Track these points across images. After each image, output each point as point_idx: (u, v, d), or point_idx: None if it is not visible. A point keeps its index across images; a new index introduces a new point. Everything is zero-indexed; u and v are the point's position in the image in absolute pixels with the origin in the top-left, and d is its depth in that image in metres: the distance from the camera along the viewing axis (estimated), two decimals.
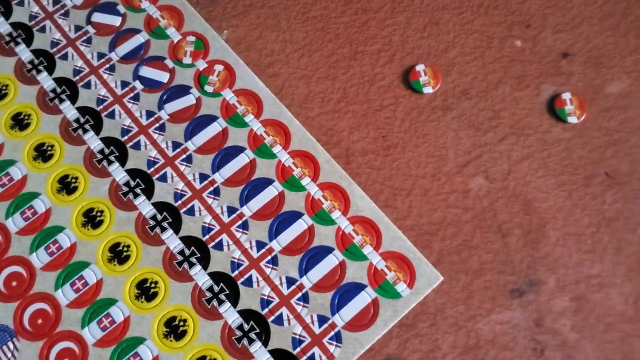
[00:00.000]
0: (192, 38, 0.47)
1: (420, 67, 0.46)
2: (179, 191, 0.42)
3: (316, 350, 0.38)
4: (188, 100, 0.45)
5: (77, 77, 0.46)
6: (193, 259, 0.40)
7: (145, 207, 0.42)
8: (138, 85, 0.46)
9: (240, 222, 0.41)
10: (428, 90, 0.45)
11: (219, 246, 0.41)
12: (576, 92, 0.45)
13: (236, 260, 0.40)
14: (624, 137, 0.44)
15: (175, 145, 0.44)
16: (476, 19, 0.48)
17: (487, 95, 0.45)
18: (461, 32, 0.47)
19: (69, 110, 0.45)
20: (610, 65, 0.46)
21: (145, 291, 0.40)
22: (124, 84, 0.46)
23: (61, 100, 0.45)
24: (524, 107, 0.45)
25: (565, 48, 0.47)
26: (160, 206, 0.42)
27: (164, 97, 0.45)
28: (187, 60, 0.46)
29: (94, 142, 0.44)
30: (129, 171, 0.43)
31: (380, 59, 0.46)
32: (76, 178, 0.43)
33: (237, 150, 0.43)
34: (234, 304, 0.39)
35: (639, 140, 0.44)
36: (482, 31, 0.47)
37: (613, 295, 0.40)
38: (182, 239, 0.41)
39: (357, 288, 0.40)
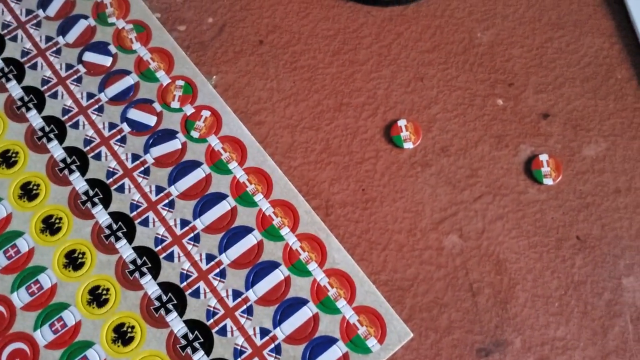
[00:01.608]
0: (181, 82, 0.48)
1: (402, 122, 0.47)
2: (160, 236, 0.43)
3: None
4: (174, 145, 0.46)
5: (66, 117, 0.47)
6: (170, 306, 0.41)
7: (126, 251, 0.43)
8: (125, 127, 0.46)
9: (217, 270, 0.42)
10: (408, 145, 0.46)
11: (196, 294, 0.42)
12: (554, 153, 0.46)
13: (212, 309, 0.41)
14: (597, 200, 0.45)
15: (159, 189, 0.45)
16: (460, 75, 0.49)
17: (466, 153, 0.46)
18: (445, 89, 0.48)
19: (57, 150, 0.46)
20: (589, 127, 0.47)
21: (122, 335, 0.41)
22: (112, 126, 0.47)
23: (49, 140, 0.46)
24: (501, 166, 0.46)
25: (545, 109, 0.48)
26: (140, 250, 0.43)
27: (150, 141, 0.46)
28: (175, 104, 0.47)
29: (79, 183, 0.45)
30: (111, 214, 0.44)
31: (364, 112, 0.47)
32: (60, 219, 0.44)
33: (219, 197, 0.44)
34: (208, 352, 0.40)
35: (611, 204, 0.45)
36: (466, 88, 0.48)
37: (576, 359, 0.41)
38: (160, 284, 0.42)
39: (329, 342, 0.41)
